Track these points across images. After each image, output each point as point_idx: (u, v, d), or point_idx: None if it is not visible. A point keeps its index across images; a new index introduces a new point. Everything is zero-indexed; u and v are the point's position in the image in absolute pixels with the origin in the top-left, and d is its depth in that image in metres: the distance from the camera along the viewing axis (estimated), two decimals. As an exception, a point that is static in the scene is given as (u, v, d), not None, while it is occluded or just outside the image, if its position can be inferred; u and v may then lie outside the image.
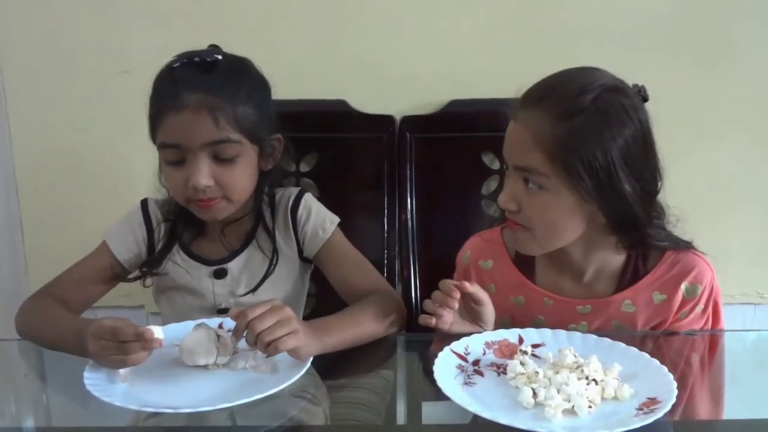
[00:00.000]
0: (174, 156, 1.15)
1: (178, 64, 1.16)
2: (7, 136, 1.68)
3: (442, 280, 1.11)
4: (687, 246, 1.14)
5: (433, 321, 1.09)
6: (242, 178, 1.18)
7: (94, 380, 0.95)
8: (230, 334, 1.06)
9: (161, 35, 1.58)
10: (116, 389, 0.95)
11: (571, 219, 1.07)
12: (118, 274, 1.27)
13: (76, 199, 1.70)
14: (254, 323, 0.95)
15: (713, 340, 1.18)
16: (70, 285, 1.23)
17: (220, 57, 1.16)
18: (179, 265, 1.26)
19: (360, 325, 1.12)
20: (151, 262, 1.26)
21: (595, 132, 1.02)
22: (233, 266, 1.26)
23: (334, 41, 1.62)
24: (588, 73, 1.08)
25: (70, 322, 1.10)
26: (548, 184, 1.04)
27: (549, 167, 1.03)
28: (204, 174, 1.14)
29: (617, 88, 1.06)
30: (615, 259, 1.15)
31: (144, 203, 1.29)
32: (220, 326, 1.10)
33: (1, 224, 1.73)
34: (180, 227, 1.26)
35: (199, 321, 1.07)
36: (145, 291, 1.33)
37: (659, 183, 1.08)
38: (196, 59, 1.15)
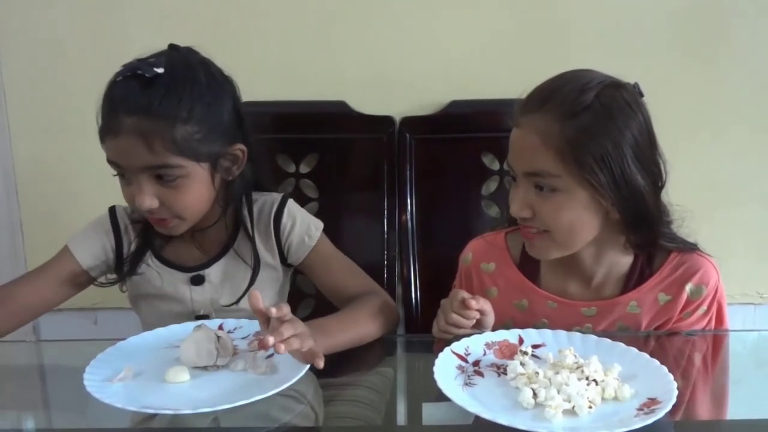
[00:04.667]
0: (119, 172, 1.13)
1: (121, 78, 1.10)
2: (7, 138, 1.68)
3: (456, 301, 1.10)
4: (693, 248, 1.14)
5: (451, 336, 1.10)
6: (189, 198, 1.13)
7: (94, 381, 0.95)
8: (230, 335, 1.06)
9: (161, 37, 1.56)
10: (116, 390, 0.94)
11: (588, 217, 1.07)
12: (79, 282, 1.22)
13: (75, 201, 1.70)
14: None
15: (714, 340, 1.18)
16: (18, 288, 1.19)
17: (160, 70, 1.08)
18: (153, 271, 1.23)
19: (359, 325, 1.12)
20: (122, 267, 1.22)
21: (603, 127, 1.03)
22: (211, 273, 1.23)
23: (333, 42, 1.62)
24: (583, 73, 1.09)
25: None
26: (561, 184, 1.04)
27: (561, 167, 1.03)
28: (147, 196, 1.10)
29: (615, 84, 1.07)
30: (623, 260, 1.15)
31: (112, 210, 1.26)
32: (220, 327, 1.11)
33: (1, 226, 1.73)
34: (151, 232, 1.22)
35: (199, 322, 1.07)
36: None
37: (665, 175, 1.10)
38: (139, 72, 1.08)
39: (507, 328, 1.09)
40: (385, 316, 1.17)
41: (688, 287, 1.13)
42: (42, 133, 1.68)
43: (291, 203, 1.26)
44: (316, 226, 1.26)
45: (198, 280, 1.23)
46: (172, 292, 1.23)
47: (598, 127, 1.03)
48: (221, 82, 1.16)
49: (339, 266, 1.27)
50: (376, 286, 1.27)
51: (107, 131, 1.10)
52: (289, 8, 1.61)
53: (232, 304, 1.22)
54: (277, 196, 1.26)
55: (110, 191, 1.67)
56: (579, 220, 1.07)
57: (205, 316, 1.23)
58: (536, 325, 1.11)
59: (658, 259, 1.15)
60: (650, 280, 1.14)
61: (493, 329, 1.12)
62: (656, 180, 1.08)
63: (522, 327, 1.09)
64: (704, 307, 1.14)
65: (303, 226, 1.25)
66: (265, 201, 1.26)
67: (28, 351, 1.18)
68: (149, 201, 1.10)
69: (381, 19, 1.62)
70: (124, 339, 1.08)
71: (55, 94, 1.66)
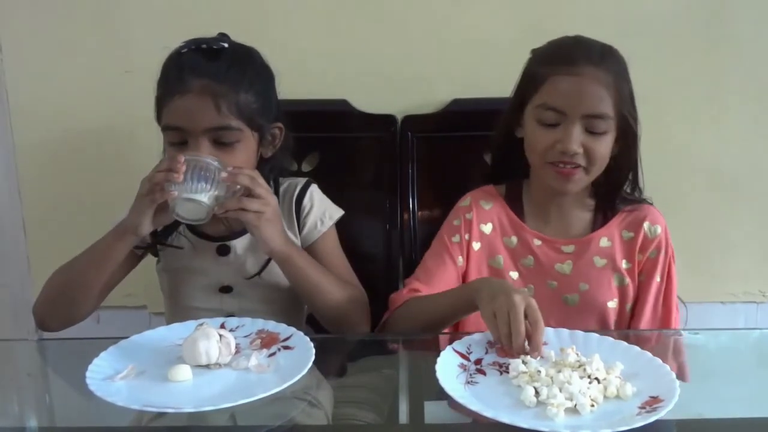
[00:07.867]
0: (177, 138, 1.18)
1: (185, 50, 1.19)
2: (9, 136, 1.69)
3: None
4: (645, 201, 1.31)
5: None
6: (239, 163, 1.19)
7: (96, 380, 0.95)
8: (232, 333, 1.07)
9: (163, 36, 1.56)
10: (119, 389, 0.95)
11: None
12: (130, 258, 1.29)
13: (78, 199, 1.70)
14: (250, 179, 1.13)
15: (714, 338, 1.18)
16: None
17: (226, 45, 1.20)
18: (185, 241, 1.29)
19: (325, 277, 1.21)
20: (157, 237, 1.27)
21: (628, 83, 1.24)
22: (237, 245, 1.28)
23: (335, 41, 1.62)
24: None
25: (103, 237, 1.20)
26: (609, 127, 1.22)
27: (613, 113, 1.22)
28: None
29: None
30: (588, 204, 1.32)
31: None
32: (223, 326, 1.11)
33: (4, 223, 1.73)
34: None
35: (201, 321, 1.07)
36: (147, 291, 1.33)
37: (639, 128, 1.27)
38: (204, 45, 1.19)
39: (497, 263, 1.27)
40: (354, 308, 1.24)
41: (646, 225, 1.28)
42: (44, 131, 1.68)
43: (314, 188, 1.34)
44: (331, 215, 1.32)
45: (224, 251, 1.28)
46: (199, 264, 1.28)
47: (627, 83, 1.23)
48: (269, 67, 1.27)
49: (337, 261, 1.31)
50: (362, 289, 1.31)
51: (173, 93, 1.17)
52: (291, 7, 1.61)
53: (256, 275, 1.26)
54: (301, 180, 1.35)
55: (111, 191, 1.68)
56: (608, 157, 1.24)
57: (229, 288, 1.28)
58: (522, 262, 1.28)
59: (616, 207, 1.31)
60: (614, 219, 1.30)
61: (486, 264, 1.28)
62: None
63: (510, 264, 1.28)
64: (663, 250, 1.28)
65: (319, 212, 1.32)
66: (290, 183, 1.34)
67: (30, 349, 1.18)
68: None
69: (383, 17, 1.61)
70: (126, 337, 1.08)
71: (58, 92, 1.66)
